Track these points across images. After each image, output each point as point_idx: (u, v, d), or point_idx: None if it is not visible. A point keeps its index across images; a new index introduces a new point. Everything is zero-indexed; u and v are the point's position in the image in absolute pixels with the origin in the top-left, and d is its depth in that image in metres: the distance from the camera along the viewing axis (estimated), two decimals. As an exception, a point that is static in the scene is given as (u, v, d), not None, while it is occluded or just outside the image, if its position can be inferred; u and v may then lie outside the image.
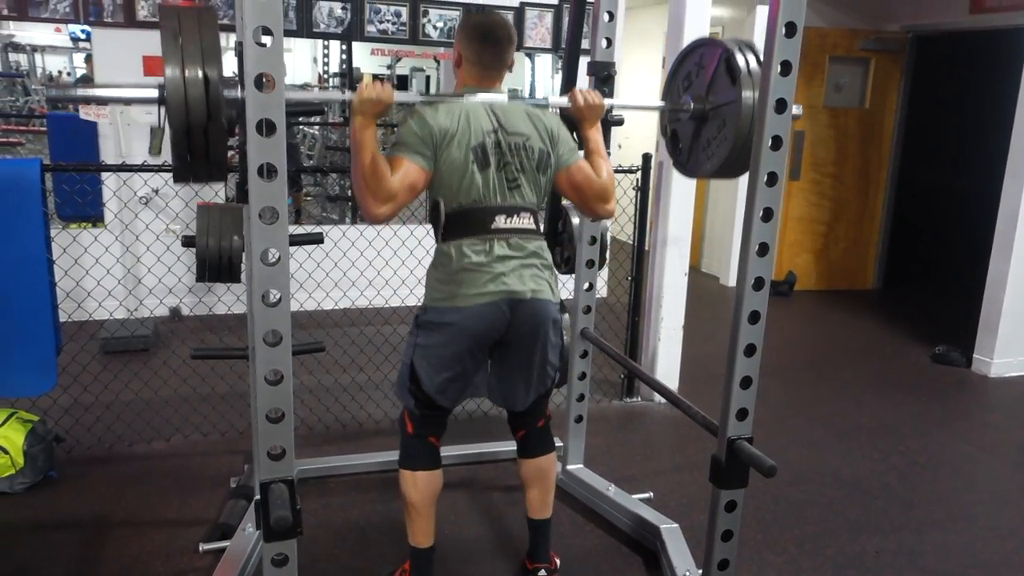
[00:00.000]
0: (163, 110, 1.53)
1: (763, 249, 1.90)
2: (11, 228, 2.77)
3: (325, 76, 8.83)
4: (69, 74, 13.57)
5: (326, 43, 8.20)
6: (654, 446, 3.57)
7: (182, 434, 3.41)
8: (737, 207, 6.24)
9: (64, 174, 4.10)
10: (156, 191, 4.47)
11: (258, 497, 1.73)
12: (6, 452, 2.86)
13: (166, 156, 4.62)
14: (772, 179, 1.87)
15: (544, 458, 2.38)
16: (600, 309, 3.06)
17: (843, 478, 3.28)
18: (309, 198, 8.21)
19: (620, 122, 2.90)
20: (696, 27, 3.67)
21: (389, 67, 14.23)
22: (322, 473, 3.08)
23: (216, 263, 2.49)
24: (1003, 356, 4.57)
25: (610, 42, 2.73)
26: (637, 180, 3.88)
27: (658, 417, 3.89)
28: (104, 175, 4.43)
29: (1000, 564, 2.70)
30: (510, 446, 2.80)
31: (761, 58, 2.07)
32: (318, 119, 8.37)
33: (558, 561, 2.48)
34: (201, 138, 1.55)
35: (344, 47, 7.40)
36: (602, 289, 5.61)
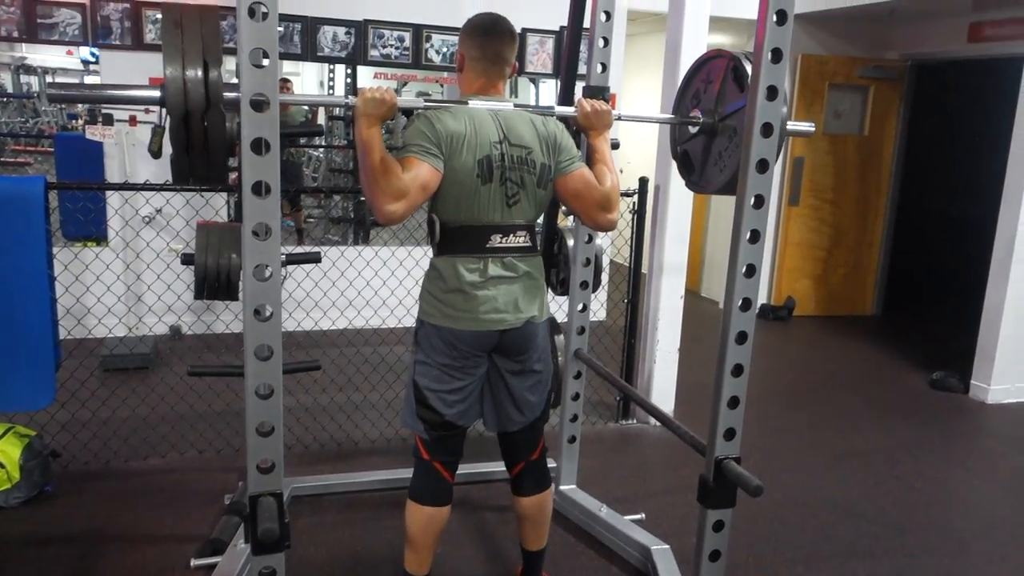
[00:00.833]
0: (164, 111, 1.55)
1: (750, 271, 1.93)
2: (14, 244, 2.81)
3: (330, 99, 8.91)
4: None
5: (331, 67, 8.31)
6: (648, 468, 3.57)
7: (178, 451, 3.42)
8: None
9: (69, 192, 4.15)
10: (159, 210, 4.51)
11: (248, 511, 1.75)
12: (2, 466, 2.88)
13: (165, 159, 4.69)
14: (759, 201, 1.89)
15: (541, 496, 2.34)
16: (597, 331, 3.08)
17: (837, 502, 3.28)
18: (312, 220, 8.27)
19: (615, 146, 2.95)
20: (693, 53, 3.72)
21: (395, 91, 14.34)
22: (316, 491, 3.09)
23: (214, 280, 2.53)
24: (1000, 383, 4.57)
25: (605, 67, 2.77)
26: (634, 204, 3.92)
27: (653, 440, 3.89)
28: (108, 194, 4.48)
29: (992, 590, 2.70)
30: (501, 466, 2.80)
31: None
32: (321, 140, 8.46)
33: (549, 581, 2.48)
34: (199, 127, 1.55)
35: (348, 71, 7.51)
36: (599, 312, 5.62)
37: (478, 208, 2.05)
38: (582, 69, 2.88)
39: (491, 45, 2.12)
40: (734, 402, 1.98)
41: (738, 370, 1.97)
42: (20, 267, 2.81)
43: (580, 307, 2.91)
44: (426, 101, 2.06)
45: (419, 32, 5.32)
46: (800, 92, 6.07)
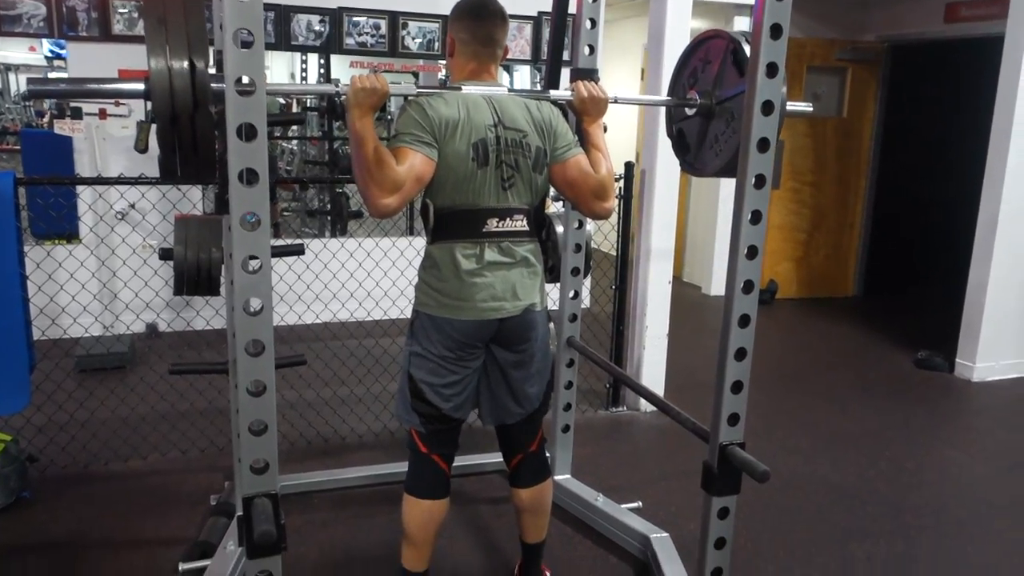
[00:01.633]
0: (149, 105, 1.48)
1: (752, 252, 1.88)
2: (-17, 243, 2.71)
3: (303, 91, 8.78)
4: (43, 91, 13.44)
5: (304, 57, 8.16)
6: (641, 455, 3.54)
7: (160, 452, 3.33)
8: (719, 216, 6.26)
9: (38, 189, 4.02)
10: (133, 205, 4.40)
11: (240, 513, 1.68)
12: (-22, 473, 2.78)
13: (143, 156, 4.57)
14: (760, 181, 1.85)
15: (540, 487, 2.29)
16: (584, 319, 3.02)
17: (831, 485, 3.27)
18: (288, 213, 8.15)
19: (605, 130, 2.90)
20: (676, 38, 3.68)
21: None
22: (305, 489, 3.02)
23: (194, 276, 2.45)
24: (985, 360, 4.59)
25: (592, 49, 2.72)
26: (620, 189, 3.87)
27: (644, 426, 3.86)
28: (79, 189, 4.35)
29: (988, 569, 2.69)
30: (495, 458, 2.76)
31: None
32: (296, 131, 8.32)
33: (549, 574, 2.43)
34: (188, 127, 1.50)
35: (322, 60, 7.37)
36: (585, 299, 5.59)
37: (473, 192, 1.99)
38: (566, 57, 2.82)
39: (482, 27, 2.06)
40: (737, 387, 1.94)
41: (741, 354, 1.92)
42: (-10, 266, 2.70)
43: (572, 294, 2.86)
44: (419, 87, 1.98)
45: (395, 19, 5.22)
46: (779, 75, 6.04)
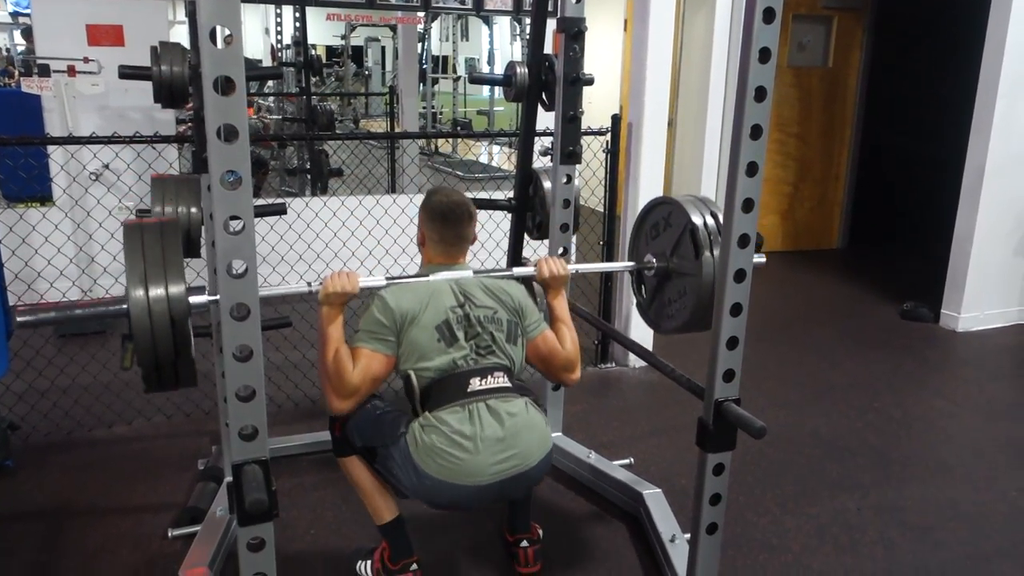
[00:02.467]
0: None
1: (748, 205, 1.85)
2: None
3: (279, 48, 8.58)
4: (8, 50, 13.09)
5: (278, 11, 7.95)
6: (631, 411, 3.53)
7: (144, 417, 3.28)
8: (704, 170, 6.19)
9: (7, 149, 3.89)
10: (106, 165, 4.27)
11: (230, 479, 1.64)
12: (-42, 442, 2.73)
13: (123, 114, 4.44)
14: (756, 132, 1.81)
15: None
16: (574, 275, 2.98)
17: (821, 437, 3.28)
18: (273, 171, 8.00)
19: (591, 81, 2.83)
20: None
21: (343, 37, 13.94)
22: (294, 452, 2.99)
23: None
24: (970, 310, 4.61)
25: (579, -2, 2.63)
26: (607, 142, 3.81)
27: (633, 382, 3.85)
28: (51, 150, 4.22)
29: (979, 516, 2.71)
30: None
31: (720, 221, 2.12)
32: (272, 85, 8.13)
33: (540, 531, 2.42)
34: (171, 369, 1.62)
35: (297, 14, 7.18)
36: (573, 255, 5.55)
37: (451, 363, 2.03)
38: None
39: (450, 229, 2.16)
40: (733, 342, 1.91)
41: (736, 309, 1.90)
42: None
43: (560, 251, 2.82)
44: (387, 280, 2.06)
45: (372, -31, 5.05)
46: (764, 24, 5.95)
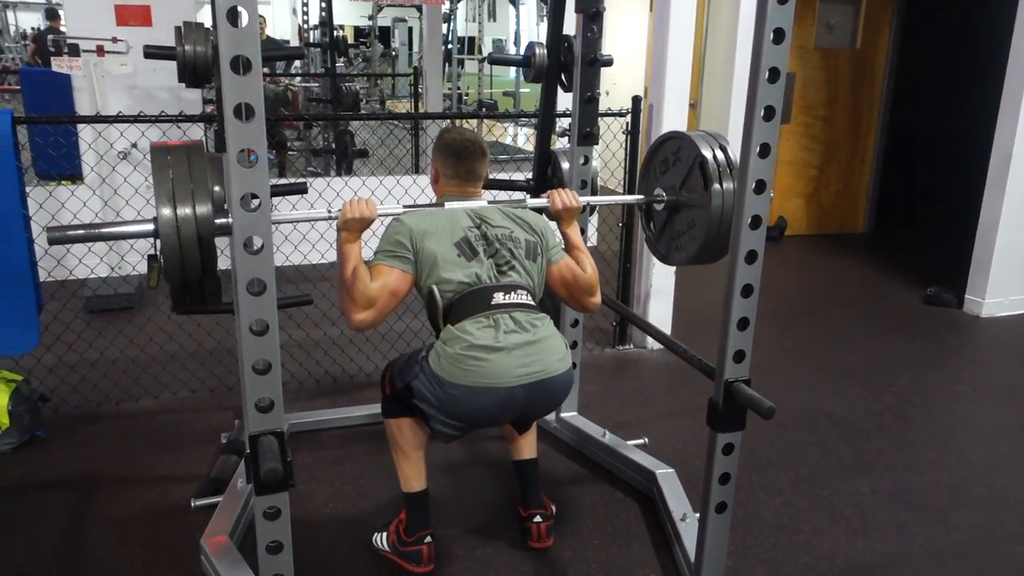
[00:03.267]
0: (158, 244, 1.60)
1: (760, 187, 1.84)
2: (-17, 183, 2.68)
3: (305, 28, 8.63)
4: (40, 29, 13.27)
5: (305, -9, 7.99)
6: (648, 392, 3.56)
7: (170, 391, 3.37)
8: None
9: (38, 128, 3.97)
10: (134, 144, 4.35)
11: (248, 451, 1.69)
12: (-9, 412, 2.82)
13: (150, 92, 4.51)
14: (769, 113, 1.80)
15: None
16: (591, 256, 3.00)
17: (837, 419, 3.28)
18: (293, 152, 8.07)
19: (609, 62, 2.84)
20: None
21: (370, 17, 13.96)
22: (314, 427, 3.05)
23: None
24: (995, 296, 4.56)
25: (598, -22, 2.63)
26: (627, 124, 3.81)
27: (651, 364, 3.87)
28: (80, 128, 4.31)
29: (992, 500, 2.71)
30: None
31: (732, 159, 2.18)
32: (299, 65, 8.16)
33: (554, 508, 2.46)
34: (198, 288, 1.66)
35: (324, -6, 7.21)
36: (592, 237, 5.56)
37: (474, 276, 2.07)
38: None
39: (463, 165, 2.22)
40: (744, 323, 1.92)
41: (747, 290, 1.90)
42: (-8, 207, 2.68)
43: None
44: (405, 207, 2.10)
45: (396, -51, 5.06)
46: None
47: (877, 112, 6.42)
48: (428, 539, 2.25)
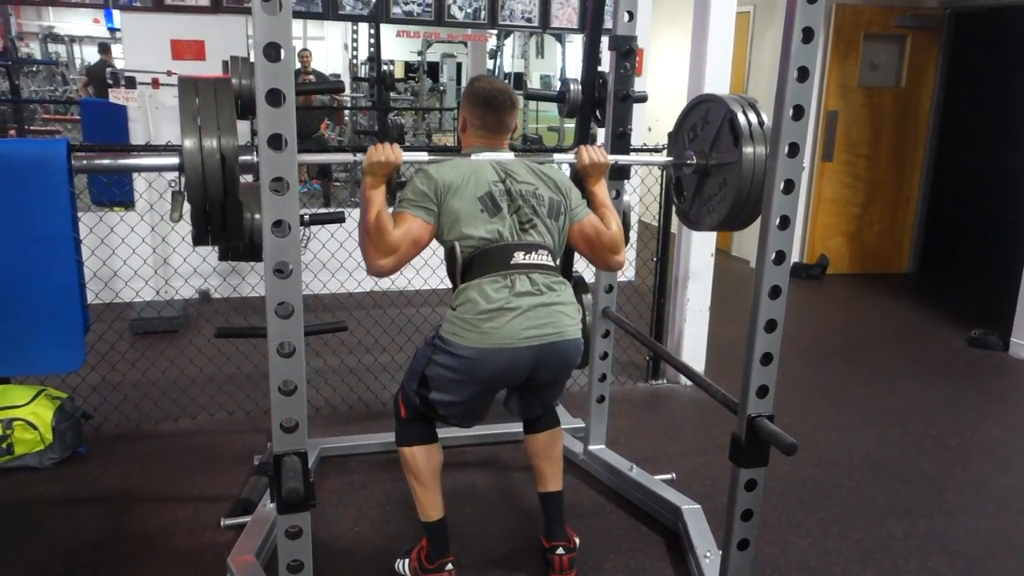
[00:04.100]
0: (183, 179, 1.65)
1: (784, 222, 1.86)
2: (39, 207, 2.79)
3: (354, 63, 8.87)
4: (89, 64, 13.82)
5: (355, 28, 8.23)
6: (679, 428, 3.53)
7: (207, 412, 3.44)
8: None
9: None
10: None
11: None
12: (35, 428, 2.91)
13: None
14: (793, 150, 1.82)
15: (548, 432, 2.41)
16: (626, 291, 3.03)
17: (872, 461, 3.22)
18: (338, 183, 8.24)
19: (643, 99, 2.88)
20: (722, 9, 3.61)
21: (420, 53, 14.25)
22: (344, 452, 3.09)
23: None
24: (1041, 340, 4.45)
25: (631, 15, 2.69)
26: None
27: (684, 400, 3.85)
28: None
29: (1033, 549, 2.63)
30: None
31: (763, 117, 2.18)
32: (346, 97, 8.35)
33: (577, 540, 2.45)
34: (219, 212, 1.66)
35: (372, 31, 7.42)
36: (627, 271, 5.56)
37: (495, 232, 2.08)
38: (609, 25, 2.79)
39: (492, 115, 2.20)
40: (767, 358, 1.92)
41: (771, 325, 1.91)
42: (46, 231, 2.78)
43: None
44: (430, 155, 2.12)
45: (442, -12, 5.20)
46: (835, 43, 5.88)
47: (922, 151, 6.34)
48: (449, 566, 2.26)
